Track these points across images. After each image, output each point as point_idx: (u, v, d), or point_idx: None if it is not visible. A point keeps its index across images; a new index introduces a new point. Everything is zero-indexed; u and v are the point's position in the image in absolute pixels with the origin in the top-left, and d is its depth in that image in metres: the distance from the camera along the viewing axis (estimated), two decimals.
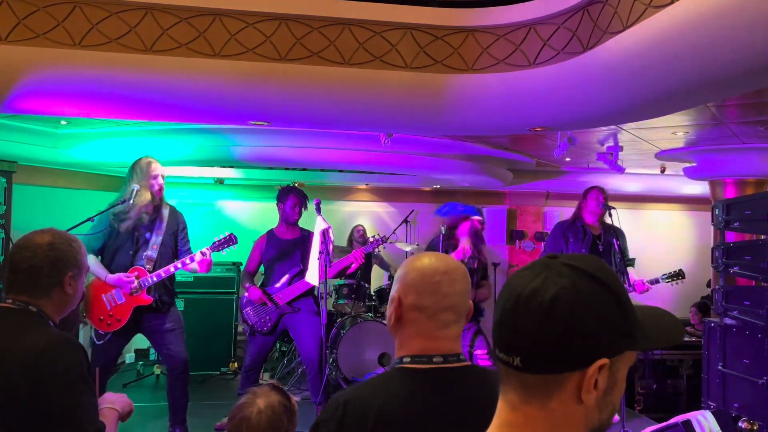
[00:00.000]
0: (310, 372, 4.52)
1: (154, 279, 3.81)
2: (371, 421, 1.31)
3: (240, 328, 6.50)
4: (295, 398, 1.95)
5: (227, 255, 5.51)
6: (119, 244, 3.86)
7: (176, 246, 4.02)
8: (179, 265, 3.88)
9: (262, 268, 4.76)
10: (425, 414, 1.33)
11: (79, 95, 3.11)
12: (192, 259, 3.88)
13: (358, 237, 6.91)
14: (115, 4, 2.78)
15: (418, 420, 1.32)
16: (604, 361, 0.82)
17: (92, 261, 3.74)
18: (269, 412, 1.79)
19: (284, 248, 4.61)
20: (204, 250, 3.91)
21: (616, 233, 4.65)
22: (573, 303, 0.81)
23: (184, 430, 4.03)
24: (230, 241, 4.07)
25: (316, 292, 4.68)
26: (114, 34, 2.79)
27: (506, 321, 0.85)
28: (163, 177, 3.97)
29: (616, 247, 4.54)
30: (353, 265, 4.64)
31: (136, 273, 3.81)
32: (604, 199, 4.62)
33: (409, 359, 1.38)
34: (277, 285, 4.56)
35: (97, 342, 3.83)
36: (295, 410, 1.88)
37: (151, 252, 3.87)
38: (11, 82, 2.89)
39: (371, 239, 4.80)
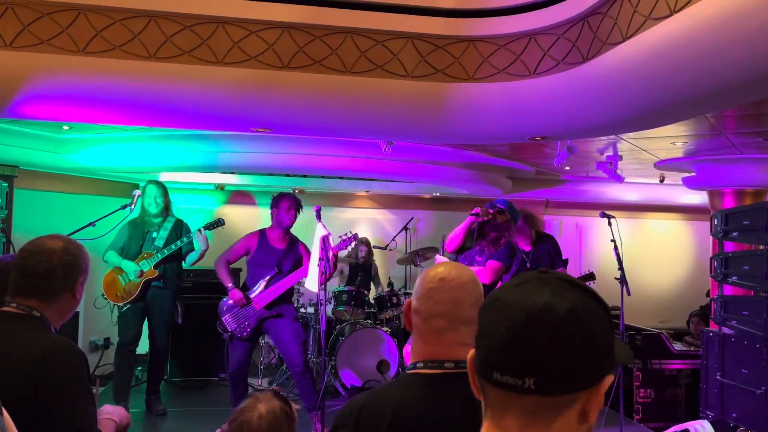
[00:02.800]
0: (295, 375, 4.51)
1: (160, 255, 4.76)
2: (386, 424, 1.34)
3: None
4: (296, 406, 1.95)
5: None
6: (132, 241, 4.84)
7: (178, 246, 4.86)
8: (181, 242, 4.80)
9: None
10: (437, 418, 1.35)
11: (82, 101, 3.13)
12: (194, 235, 4.79)
13: (361, 256, 6.90)
14: (119, 12, 2.80)
15: (431, 424, 1.35)
16: (612, 377, 0.79)
17: (114, 255, 4.80)
18: (270, 418, 1.79)
19: (271, 255, 4.60)
20: (200, 228, 4.85)
21: (545, 241, 5.13)
22: (588, 316, 0.77)
23: (158, 396, 5.00)
24: (218, 223, 4.98)
25: (293, 300, 4.74)
26: (118, 41, 2.81)
27: (517, 339, 0.77)
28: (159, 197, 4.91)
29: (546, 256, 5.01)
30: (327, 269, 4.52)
31: (146, 255, 4.77)
32: (526, 223, 5.01)
33: (422, 364, 1.41)
34: (255, 289, 4.55)
35: (120, 314, 4.83)
36: (295, 417, 1.88)
37: (159, 243, 4.82)
38: (15, 88, 2.91)
39: (343, 237, 4.71)
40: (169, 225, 4.90)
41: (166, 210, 4.96)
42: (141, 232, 4.86)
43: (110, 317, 4.89)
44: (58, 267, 1.78)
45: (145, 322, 4.95)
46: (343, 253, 6.52)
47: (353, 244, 4.81)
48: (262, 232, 4.69)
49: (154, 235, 4.85)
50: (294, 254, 4.59)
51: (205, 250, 4.86)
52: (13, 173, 5.02)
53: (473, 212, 4.35)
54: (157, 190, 4.90)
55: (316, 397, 4.37)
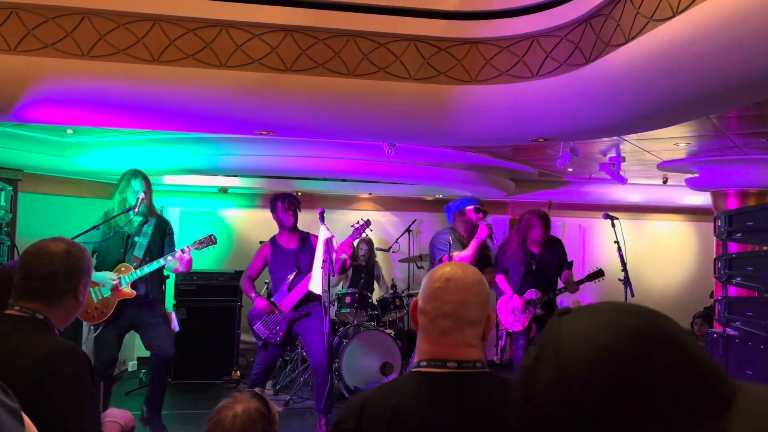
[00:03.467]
0: (317, 377, 4.54)
1: (138, 273, 4.16)
2: (386, 421, 1.35)
3: (242, 337, 6.51)
4: (278, 408, 1.95)
5: (230, 264, 5.59)
6: (110, 247, 4.23)
7: (163, 248, 4.32)
8: (162, 261, 4.19)
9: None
10: (438, 417, 1.36)
11: (86, 105, 3.14)
12: (174, 256, 4.18)
13: (362, 255, 6.91)
14: (123, 16, 2.81)
15: (431, 422, 1.36)
16: None
17: None
18: (244, 418, 1.80)
19: (286, 257, 4.63)
20: (184, 248, 4.21)
21: (554, 244, 5.17)
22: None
23: (159, 412, 4.39)
24: (210, 241, 4.36)
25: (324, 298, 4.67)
26: (122, 45, 2.82)
27: None
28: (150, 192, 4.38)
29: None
30: (347, 262, 4.54)
31: (123, 268, 4.19)
32: (543, 225, 5.07)
33: (425, 363, 1.43)
34: (280, 294, 4.58)
35: (94, 333, 4.27)
36: (274, 419, 1.89)
37: (138, 252, 4.24)
38: (19, 92, 2.92)
39: (356, 225, 4.72)
40: (149, 229, 4.29)
41: (149, 207, 4.34)
42: (120, 236, 4.24)
43: None
44: (60, 269, 1.79)
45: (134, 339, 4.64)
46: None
47: (368, 230, 4.79)
48: (273, 239, 4.73)
49: (136, 240, 4.26)
50: (308, 250, 4.60)
51: (187, 270, 4.31)
52: (17, 177, 5.03)
53: (486, 232, 4.45)
54: (141, 183, 4.27)
55: (330, 401, 4.41)
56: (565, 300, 6.16)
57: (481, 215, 4.67)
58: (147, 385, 6.04)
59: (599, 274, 5.13)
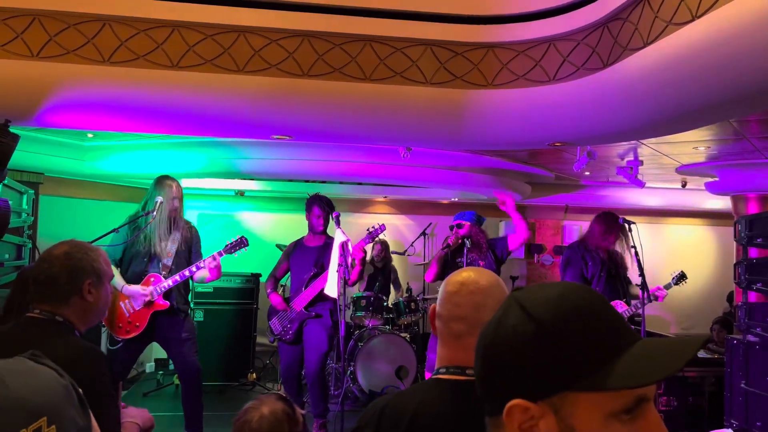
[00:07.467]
0: (308, 381, 4.57)
1: (170, 284, 4.00)
2: (404, 427, 1.35)
3: (258, 339, 6.55)
4: (302, 411, 1.96)
5: (246, 266, 5.57)
6: (135, 253, 4.06)
7: (190, 256, 4.18)
8: (194, 269, 4.05)
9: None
10: (456, 425, 1.36)
11: (107, 109, 3.18)
12: (205, 263, 4.04)
13: (375, 255, 6.92)
14: (143, 22, 2.85)
15: (449, 430, 1.35)
16: (515, 401, 0.76)
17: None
18: (271, 419, 1.82)
19: (307, 255, 4.66)
20: (214, 254, 4.04)
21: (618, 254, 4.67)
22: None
23: None
24: (241, 243, 4.22)
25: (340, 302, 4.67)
26: (142, 51, 2.86)
27: None
28: (181, 199, 4.22)
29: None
30: (357, 267, 4.50)
31: (152, 278, 4.00)
32: (617, 228, 4.52)
33: (444, 370, 1.43)
34: (294, 292, 4.63)
35: (110, 347, 4.09)
36: (298, 420, 1.90)
37: (167, 260, 4.06)
38: (42, 97, 2.97)
39: (370, 230, 4.71)
40: (177, 234, 4.12)
41: (176, 212, 4.16)
42: (146, 243, 4.04)
43: None
44: (59, 273, 1.84)
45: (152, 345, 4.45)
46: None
47: (383, 235, 4.82)
48: (299, 240, 4.80)
49: (163, 245, 4.07)
50: (329, 251, 4.61)
51: (216, 278, 4.14)
52: (38, 180, 5.11)
53: (445, 246, 4.43)
54: (163, 189, 4.09)
55: (323, 405, 4.45)
56: None
57: (461, 233, 4.54)
58: (163, 386, 6.11)
59: (683, 277, 4.78)
